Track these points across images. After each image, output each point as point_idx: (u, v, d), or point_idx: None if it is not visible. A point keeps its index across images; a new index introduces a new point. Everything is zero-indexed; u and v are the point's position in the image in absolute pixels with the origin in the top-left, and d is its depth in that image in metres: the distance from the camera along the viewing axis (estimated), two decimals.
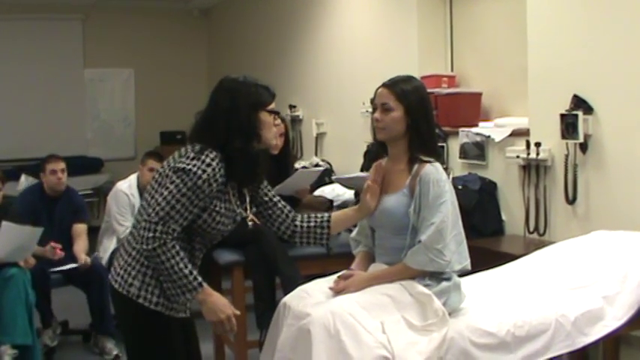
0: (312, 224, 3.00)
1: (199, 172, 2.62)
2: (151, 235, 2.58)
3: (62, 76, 10.38)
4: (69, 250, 5.25)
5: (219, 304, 2.71)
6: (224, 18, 10.68)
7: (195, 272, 2.65)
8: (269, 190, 3.00)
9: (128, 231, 5.42)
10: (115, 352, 5.10)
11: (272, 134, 2.84)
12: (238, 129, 2.71)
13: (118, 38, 10.60)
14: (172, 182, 2.62)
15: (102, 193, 9.13)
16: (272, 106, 2.82)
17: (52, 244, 4.98)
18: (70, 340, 5.49)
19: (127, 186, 5.70)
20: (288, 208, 3.03)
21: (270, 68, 8.65)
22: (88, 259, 5.14)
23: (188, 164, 2.63)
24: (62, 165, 5.44)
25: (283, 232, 3.02)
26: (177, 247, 2.61)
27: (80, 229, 5.47)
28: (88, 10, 10.47)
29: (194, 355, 3.00)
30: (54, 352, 5.16)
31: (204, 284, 2.66)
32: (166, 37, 10.95)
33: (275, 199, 3.00)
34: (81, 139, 10.56)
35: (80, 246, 5.33)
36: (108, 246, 5.60)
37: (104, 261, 5.47)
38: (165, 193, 2.61)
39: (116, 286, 2.72)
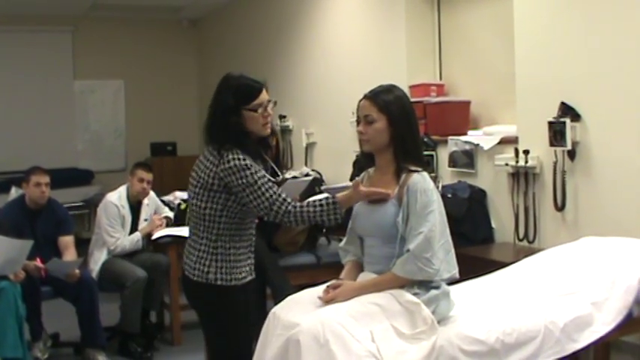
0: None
1: (241, 162, 3.01)
2: (280, 216, 3.02)
3: (52, 88, 10.38)
4: None
5: (352, 200, 3.03)
6: (213, 28, 10.70)
7: (324, 203, 3.00)
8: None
9: (119, 242, 5.47)
10: None
11: (258, 125, 3.11)
12: (232, 127, 3.06)
13: (108, 49, 10.61)
14: (242, 183, 3.00)
15: (92, 204, 9.09)
16: (257, 101, 3.09)
17: (39, 263, 4.96)
18: (61, 352, 5.45)
19: (117, 197, 5.68)
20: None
21: (259, 78, 8.65)
22: (77, 271, 5.11)
23: (233, 166, 3.00)
24: (47, 179, 5.37)
25: None
26: (298, 204, 3.02)
27: (66, 241, 5.42)
28: (77, 22, 10.47)
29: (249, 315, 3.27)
30: None
31: (336, 200, 2.99)
32: (156, 48, 10.97)
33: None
34: (71, 151, 10.54)
35: (68, 258, 5.29)
36: (99, 257, 5.57)
37: (95, 273, 5.45)
38: (248, 190, 3.01)
39: (195, 278, 3.13)
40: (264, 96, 3.12)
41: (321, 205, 2.99)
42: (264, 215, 3.05)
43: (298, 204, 3.03)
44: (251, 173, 2.99)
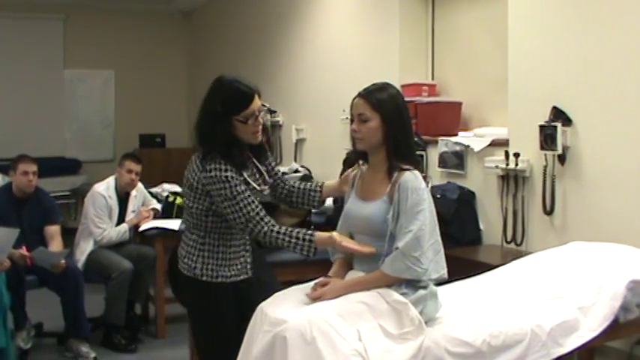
0: (307, 187, 3.38)
1: (222, 173, 3.00)
2: (255, 234, 3.05)
3: (42, 76, 10.32)
4: None
5: (327, 244, 3.02)
6: (205, 21, 10.67)
7: (301, 233, 3.01)
8: (272, 159, 3.41)
9: (106, 233, 5.45)
10: (92, 356, 5.07)
11: (248, 134, 3.11)
12: (219, 136, 3.04)
13: (99, 39, 10.56)
14: (220, 194, 3.02)
15: (79, 194, 9.06)
16: (248, 111, 3.05)
17: (25, 252, 4.92)
18: (44, 342, 5.45)
19: (105, 188, 5.66)
20: (284, 176, 3.48)
21: (250, 73, 8.62)
22: (63, 261, 5.08)
23: (213, 176, 3.01)
24: (34, 167, 5.34)
25: (280, 193, 3.40)
26: (276, 228, 3.03)
27: (53, 230, 5.39)
28: (69, 10, 10.42)
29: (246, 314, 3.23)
30: (28, 355, 5.11)
31: (313, 236, 2.99)
32: (147, 39, 10.93)
33: (276, 169, 3.40)
34: (59, 140, 10.50)
35: (55, 248, 5.27)
36: (85, 248, 5.56)
37: (80, 263, 5.43)
38: (226, 203, 3.02)
39: (185, 272, 3.20)
40: (255, 105, 3.07)
41: (297, 239, 2.99)
42: (241, 230, 3.10)
43: (276, 228, 3.03)
44: (230, 187, 3.00)
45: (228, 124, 3.05)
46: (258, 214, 3.03)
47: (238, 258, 3.21)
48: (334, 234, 2.97)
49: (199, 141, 3.11)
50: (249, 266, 3.27)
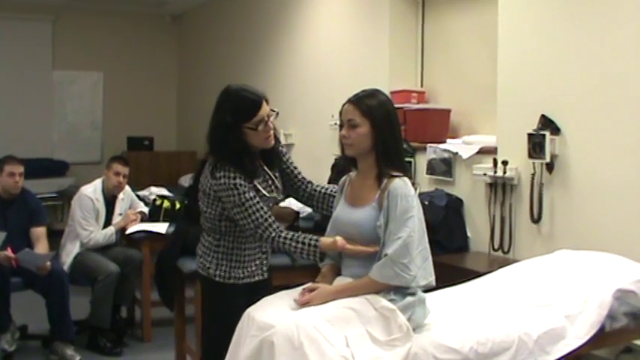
0: (327, 191, 3.39)
1: (230, 180, 3.07)
2: (264, 240, 3.12)
3: (30, 77, 10.27)
4: None
5: (331, 249, 3.05)
6: (195, 25, 10.65)
7: (307, 238, 3.06)
8: (291, 163, 3.43)
9: (92, 235, 5.42)
10: (77, 358, 5.04)
11: (259, 140, 3.16)
12: (230, 144, 3.10)
13: (89, 41, 10.53)
14: (230, 201, 3.09)
15: (66, 196, 9.03)
16: (257, 118, 3.11)
17: (10, 253, 4.89)
18: (29, 345, 5.41)
19: (92, 190, 5.63)
20: (307, 178, 3.46)
21: (239, 77, 8.63)
22: (48, 264, 5.05)
23: (222, 183, 3.08)
24: (21, 169, 5.31)
25: (302, 196, 3.43)
26: (283, 233, 3.10)
27: (39, 232, 5.36)
28: (58, 11, 10.38)
29: None
30: (12, 357, 5.07)
31: (318, 241, 3.04)
32: (137, 41, 10.91)
33: (296, 171, 3.43)
34: (47, 142, 10.45)
35: (40, 250, 5.24)
36: (71, 250, 5.52)
37: (66, 265, 5.40)
38: (236, 210, 3.09)
39: (199, 271, 3.32)
40: (263, 111, 3.12)
41: (302, 244, 3.05)
42: (250, 235, 3.15)
43: (283, 233, 3.09)
44: (239, 194, 3.06)
45: (239, 133, 3.10)
46: (266, 220, 3.09)
47: (253, 260, 3.28)
48: (338, 238, 2.97)
49: (211, 151, 3.16)
50: (265, 268, 3.33)
